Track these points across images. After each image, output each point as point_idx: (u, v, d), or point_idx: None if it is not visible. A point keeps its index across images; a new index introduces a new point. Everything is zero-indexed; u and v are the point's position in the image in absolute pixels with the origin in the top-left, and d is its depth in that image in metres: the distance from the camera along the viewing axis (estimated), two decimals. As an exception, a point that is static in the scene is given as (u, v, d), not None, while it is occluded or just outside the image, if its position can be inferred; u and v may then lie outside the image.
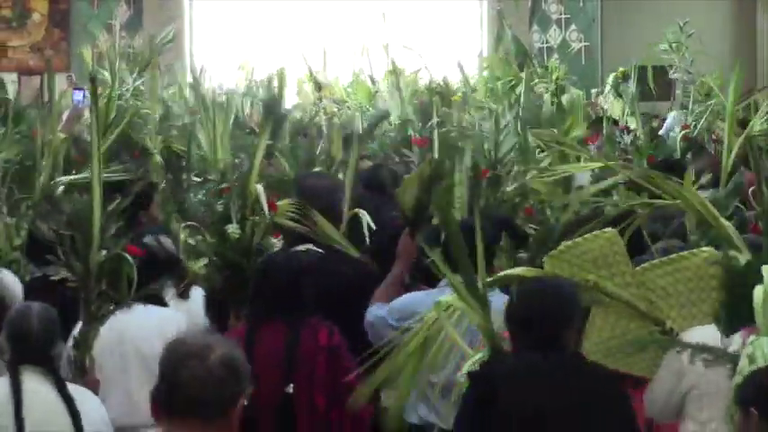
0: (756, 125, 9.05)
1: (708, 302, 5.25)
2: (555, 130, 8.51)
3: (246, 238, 6.61)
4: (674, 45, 13.26)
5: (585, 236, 5.34)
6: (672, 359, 5.19)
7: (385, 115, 11.35)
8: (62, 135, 8.27)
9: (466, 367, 5.06)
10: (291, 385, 5.63)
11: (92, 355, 5.83)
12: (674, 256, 5.34)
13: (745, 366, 4.44)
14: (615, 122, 11.69)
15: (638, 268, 5.22)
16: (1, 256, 6.40)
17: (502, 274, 5.37)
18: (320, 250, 6.59)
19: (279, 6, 20.07)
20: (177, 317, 6.10)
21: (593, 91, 14.01)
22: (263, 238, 6.68)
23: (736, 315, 4.85)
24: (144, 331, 5.99)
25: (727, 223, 5.27)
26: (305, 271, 5.95)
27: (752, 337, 4.48)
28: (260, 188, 6.68)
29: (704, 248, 5.41)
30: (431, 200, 6.58)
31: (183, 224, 6.83)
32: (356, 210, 7.07)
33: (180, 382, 3.40)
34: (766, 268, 4.67)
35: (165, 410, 3.45)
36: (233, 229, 6.60)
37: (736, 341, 4.65)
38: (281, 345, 5.69)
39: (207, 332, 3.96)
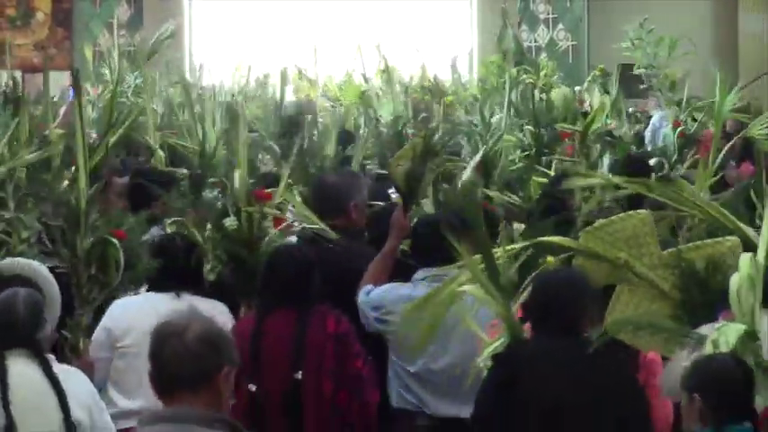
0: (755, 129, 9.10)
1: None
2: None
3: (244, 230, 6.54)
4: (635, 42, 13.19)
5: (620, 215, 5.34)
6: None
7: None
8: (59, 130, 8.31)
9: (486, 353, 5.09)
10: (300, 372, 5.61)
11: (85, 339, 5.88)
12: (700, 243, 5.29)
13: (707, 352, 4.48)
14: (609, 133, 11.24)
15: (665, 252, 5.16)
16: (10, 249, 6.43)
17: (538, 240, 5.33)
18: (331, 232, 6.52)
19: (276, 6, 20.18)
20: (219, 306, 6.07)
21: (577, 89, 14.06)
22: (259, 228, 6.57)
23: None
24: None
25: (746, 228, 5.26)
26: (312, 262, 5.92)
27: (721, 323, 4.52)
28: (241, 180, 6.60)
29: (729, 237, 5.32)
30: (423, 174, 6.61)
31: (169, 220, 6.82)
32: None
33: (163, 360, 3.67)
34: (743, 259, 4.71)
35: (158, 387, 3.72)
36: (230, 221, 6.54)
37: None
38: (289, 333, 5.66)
39: (190, 312, 4.04)
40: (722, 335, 4.43)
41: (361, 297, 6.02)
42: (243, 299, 6.44)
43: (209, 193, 6.88)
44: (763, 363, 4.38)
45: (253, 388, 5.51)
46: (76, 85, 6.62)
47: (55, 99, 11.78)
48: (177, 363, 3.65)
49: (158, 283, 6.14)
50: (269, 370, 5.61)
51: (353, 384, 5.68)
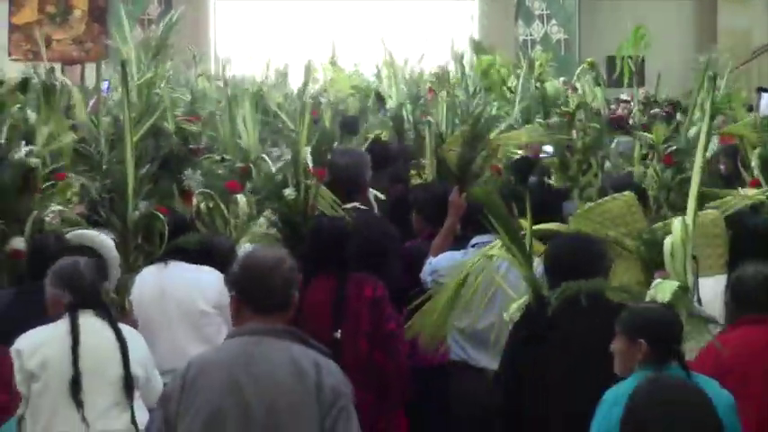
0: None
1: (712, 257, 5.45)
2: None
3: (301, 200, 6.76)
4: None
5: (606, 198, 5.53)
6: None
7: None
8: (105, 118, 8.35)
9: (512, 309, 5.26)
10: (339, 331, 5.74)
11: (130, 300, 6.01)
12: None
13: None
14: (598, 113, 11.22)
15: (656, 226, 5.29)
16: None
17: (542, 226, 5.47)
18: (363, 207, 6.79)
19: (294, 1, 20.27)
20: (212, 273, 6.16)
21: (561, 79, 14.12)
22: (314, 199, 6.84)
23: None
24: (183, 287, 6.10)
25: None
26: (348, 232, 6.08)
27: (657, 281, 4.73)
28: (308, 155, 6.86)
29: (709, 211, 5.56)
30: (474, 158, 6.85)
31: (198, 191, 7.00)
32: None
33: (267, 286, 3.98)
34: (675, 223, 4.89)
35: (252, 307, 3.98)
36: (289, 192, 6.75)
37: None
38: (329, 296, 5.79)
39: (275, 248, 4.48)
40: (659, 291, 4.64)
41: (425, 267, 6.25)
42: None
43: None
44: (695, 312, 4.65)
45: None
46: (123, 73, 6.71)
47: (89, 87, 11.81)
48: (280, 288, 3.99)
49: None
50: (310, 329, 5.64)
51: (387, 344, 5.82)
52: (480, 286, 5.51)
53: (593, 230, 5.27)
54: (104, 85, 12.98)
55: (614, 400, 4.29)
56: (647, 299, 4.69)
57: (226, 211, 6.91)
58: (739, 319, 4.99)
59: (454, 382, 6.19)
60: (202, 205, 6.91)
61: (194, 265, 6.21)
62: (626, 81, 12.11)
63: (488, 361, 5.88)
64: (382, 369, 5.78)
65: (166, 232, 6.19)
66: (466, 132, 7.03)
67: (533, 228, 5.28)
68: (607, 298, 4.93)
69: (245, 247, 6.44)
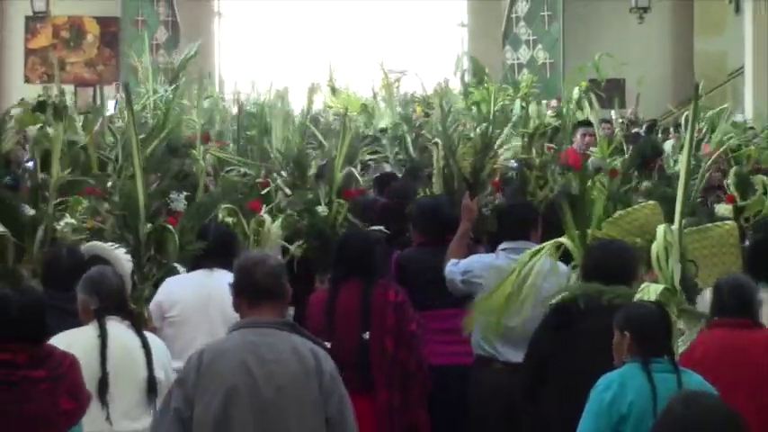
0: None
1: (727, 265, 5.55)
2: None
3: (332, 216, 7.19)
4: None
5: (635, 206, 5.69)
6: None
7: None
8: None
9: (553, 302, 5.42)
10: (367, 332, 5.92)
11: (148, 308, 6.07)
12: (702, 226, 5.62)
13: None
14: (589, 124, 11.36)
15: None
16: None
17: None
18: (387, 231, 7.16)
19: (293, 26, 20.39)
20: None
21: (544, 102, 14.22)
22: (344, 216, 7.26)
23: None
24: (226, 294, 6.11)
25: None
26: (375, 242, 6.33)
27: (645, 284, 4.91)
28: (336, 180, 7.39)
29: (727, 222, 5.71)
30: (484, 166, 7.05)
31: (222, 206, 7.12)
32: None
33: (255, 278, 4.33)
34: (659, 230, 5.06)
35: (246, 300, 4.34)
36: (322, 209, 7.18)
37: None
38: (357, 301, 5.96)
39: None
40: (645, 293, 4.84)
41: (449, 268, 6.36)
42: (320, 273, 6.88)
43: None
44: (686, 308, 4.81)
45: (329, 345, 5.82)
46: (128, 95, 6.82)
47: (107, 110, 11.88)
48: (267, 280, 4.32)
49: (196, 263, 6.31)
50: (341, 331, 5.92)
51: (410, 342, 5.99)
52: (533, 287, 5.62)
53: (621, 236, 5.44)
54: (111, 104, 12.99)
55: (606, 386, 4.51)
56: (636, 299, 4.85)
57: (246, 227, 7.05)
58: (712, 322, 5.13)
59: (479, 376, 6.28)
60: (227, 219, 7.01)
61: None
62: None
63: (515, 355, 5.97)
64: (406, 366, 5.95)
65: (177, 243, 6.28)
66: (477, 143, 7.20)
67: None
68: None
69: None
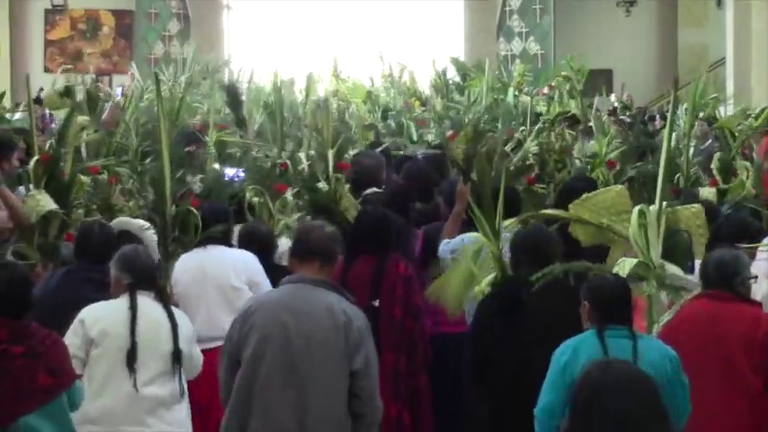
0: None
1: (697, 245, 5.51)
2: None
3: (332, 190, 7.26)
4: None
5: (601, 189, 5.73)
6: None
7: None
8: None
9: (483, 284, 5.52)
10: (377, 300, 5.95)
11: (170, 284, 6.15)
12: (670, 209, 5.54)
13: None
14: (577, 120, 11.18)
15: None
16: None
17: (541, 212, 5.76)
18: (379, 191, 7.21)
19: (300, 17, 20.39)
20: (246, 255, 6.29)
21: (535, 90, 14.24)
22: (342, 188, 7.29)
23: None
24: (220, 267, 6.22)
25: None
26: (388, 219, 6.32)
27: (622, 258, 4.98)
28: (331, 156, 7.42)
29: (694, 205, 5.66)
30: (476, 153, 7.10)
31: (250, 186, 7.24)
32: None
33: (311, 239, 4.63)
34: (634, 213, 5.11)
35: (298, 259, 4.62)
36: (322, 185, 7.28)
37: None
38: (370, 272, 6.01)
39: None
40: (620, 268, 4.91)
41: (442, 247, 6.44)
42: None
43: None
44: (669, 282, 4.89)
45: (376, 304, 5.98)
46: (157, 86, 6.87)
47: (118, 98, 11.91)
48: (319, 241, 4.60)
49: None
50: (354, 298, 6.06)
51: (416, 312, 6.06)
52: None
53: (589, 217, 5.48)
54: (118, 90, 13.01)
55: (562, 351, 4.59)
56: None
57: (271, 206, 7.14)
58: (697, 294, 5.21)
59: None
60: (255, 199, 7.11)
61: (231, 248, 6.39)
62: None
63: None
64: (411, 335, 6.03)
65: (200, 224, 6.34)
66: (469, 132, 7.26)
67: (542, 213, 5.71)
68: (568, 281, 5.21)
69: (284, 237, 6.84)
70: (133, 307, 5.10)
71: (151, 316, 5.14)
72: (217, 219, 6.38)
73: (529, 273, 5.31)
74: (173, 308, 5.30)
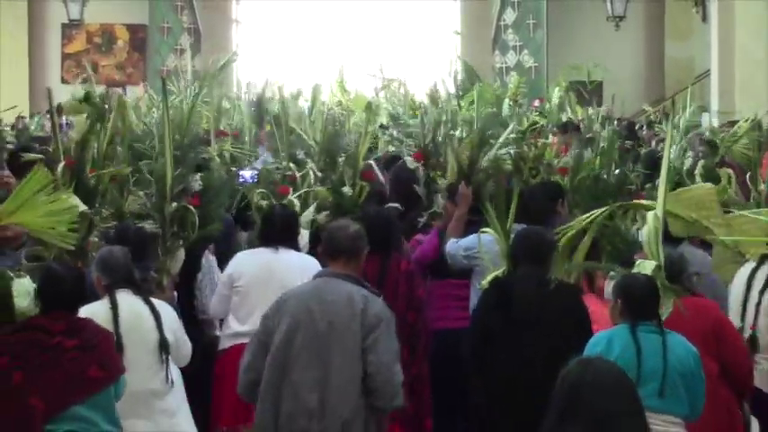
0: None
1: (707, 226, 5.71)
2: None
3: (356, 195, 7.56)
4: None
5: (694, 185, 6.01)
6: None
7: None
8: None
9: (489, 278, 5.74)
10: (382, 296, 6.03)
11: (169, 277, 6.26)
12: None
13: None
14: (577, 128, 11.21)
15: (728, 215, 5.69)
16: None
17: (632, 203, 5.94)
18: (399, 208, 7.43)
19: (306, 32, 20.44)
20: (312, 261, 6.34)
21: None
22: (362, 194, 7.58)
23: None
24: (287, 271, 6.27)
25: None
26: (392, 221, 6.57)
27: (639, 261, 5.09)
28: (366, 164, 7.77)
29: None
30: (478, 158, 7.27)
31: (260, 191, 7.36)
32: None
33: (337, 238, 5.06)
34: (649, 216, 5.21)
35: (328, 256, 5.06)
36: (347, 189, 7.55)
37: None
38: (376, 269, 6.11)
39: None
40: (642, 269, 5.00)
41: (451, 245, 6.63)
42: None
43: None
44: (665, 284, 4.99)
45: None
46: (164, 94, 6.97)
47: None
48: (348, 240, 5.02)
49: (264, 242, 6.50)
50: None
51: (418, 305, 6.25)
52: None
53: (679, 210, 5.59)
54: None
55: (595, 342, 4.80)
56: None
57: None
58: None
59: None
60: (262, 202, 7.20)
61: (301, 254, 6.54)
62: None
63: None
64: (413, 326, 6.15)
65: (197, 222, 6.43)
66: (474, 139, 7.37)
67: (632, 203, 5.90)
68: (564, 280, 5.45)
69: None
70: (114, 305, 5.16)
71: (132, 311, 5.21)
72: (286, 222, 6.54)
73: (526, 270, 5.43)
74: (153, 300, 5.35)
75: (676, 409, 4.76)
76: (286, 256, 6.36)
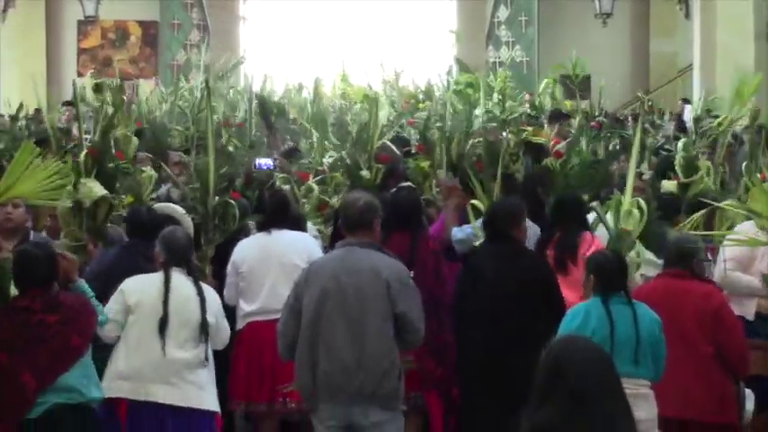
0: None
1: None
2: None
3: (372, 179, 7.64)
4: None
5: None
6: None
7: None
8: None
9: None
10: (412, 272, 6.04)
11: (209, 265, 6.40)
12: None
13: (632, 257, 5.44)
14: (566, 116, 11.17)
15: None
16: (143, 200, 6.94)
17: (725, 204, 6.21)
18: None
19: (306, 27, 20.49)
20: (305, 236, 6.52)
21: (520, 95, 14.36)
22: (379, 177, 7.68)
23: None
24: (283, 247, 6.42)
25: None
26: (420, 200, 6.71)
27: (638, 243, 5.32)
28: (381, 144, 7.88)
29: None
30: (464, 153, 7.45)
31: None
32: None
33: (348, 213, 5.13)
34: (624, 200, 5.44)
35: (345, 227, 5.10)
36: (365, 173, 7.65)
37: None
38: (406, 247, 6.26)
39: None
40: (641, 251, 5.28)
41: (457, 232, 6.71)
42: None
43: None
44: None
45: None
46: (208, 92, 7.18)
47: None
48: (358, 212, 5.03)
49: (259, 227, 6.63)
50: None
51: (444, 280, 6.36)
52: None
53: (766, 200, 5.66)
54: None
55: (574, 315, 4.95)
56: (632, 253, 5.46)
57: (297, 191, 7.41)
58: (660, 273, 5.45)
59: None
60: (285, 186, 7.41)
61: (294, 231, 6.59)
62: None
63: None
64: (440, 300, 6.26)
65: (237, 215, 6.58)
66: (461, 136, 7.52)
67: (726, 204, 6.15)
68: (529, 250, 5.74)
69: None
70: (167, 281, 5.27)
71: (182, 290, 5.30)
72: (275, 206, 6.60)
73: (491, 245, 5.58)
74: (202, 284, 5.44)
75: (645, 374, 4.95)
76: (279, 236, 6.46)
